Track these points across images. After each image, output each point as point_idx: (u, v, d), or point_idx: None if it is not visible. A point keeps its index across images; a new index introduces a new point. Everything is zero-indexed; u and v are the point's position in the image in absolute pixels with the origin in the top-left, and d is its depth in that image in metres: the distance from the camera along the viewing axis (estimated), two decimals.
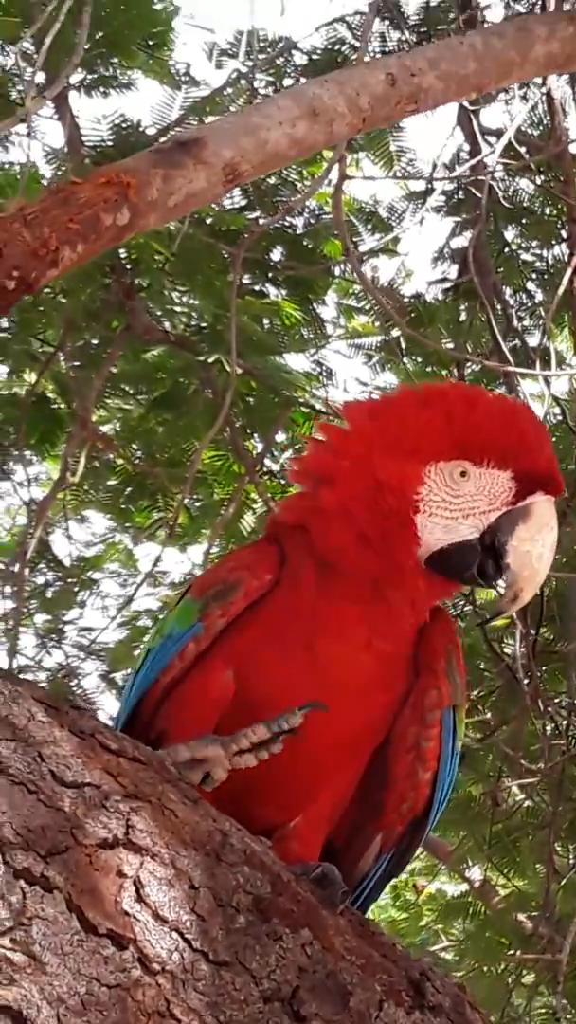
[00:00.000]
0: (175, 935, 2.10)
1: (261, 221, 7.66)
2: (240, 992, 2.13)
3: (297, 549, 2.81)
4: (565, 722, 8.46)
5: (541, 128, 8.68)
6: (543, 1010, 9.47)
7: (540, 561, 2.73)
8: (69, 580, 9.37)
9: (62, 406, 8.50)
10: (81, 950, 2.00)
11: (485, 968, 9.17)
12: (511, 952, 9.07)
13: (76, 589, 9.46)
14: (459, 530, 2.73)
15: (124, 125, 7.69)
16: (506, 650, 8.56)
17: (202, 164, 3.64)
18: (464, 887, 11.25)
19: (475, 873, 10.65)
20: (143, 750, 2.32)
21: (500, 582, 2.77)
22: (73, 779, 2.13)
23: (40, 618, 9.58)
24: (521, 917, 9.57)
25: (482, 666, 8.82)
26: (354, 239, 8.24)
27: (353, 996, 2.25)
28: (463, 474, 2.74)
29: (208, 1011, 2.08)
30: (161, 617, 3.05)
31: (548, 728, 8.37)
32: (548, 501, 2.74)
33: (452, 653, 2.89)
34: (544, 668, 8.62)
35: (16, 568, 8.50)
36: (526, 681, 7.97)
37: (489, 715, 8.79)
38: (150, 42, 7.80)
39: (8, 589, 8.81)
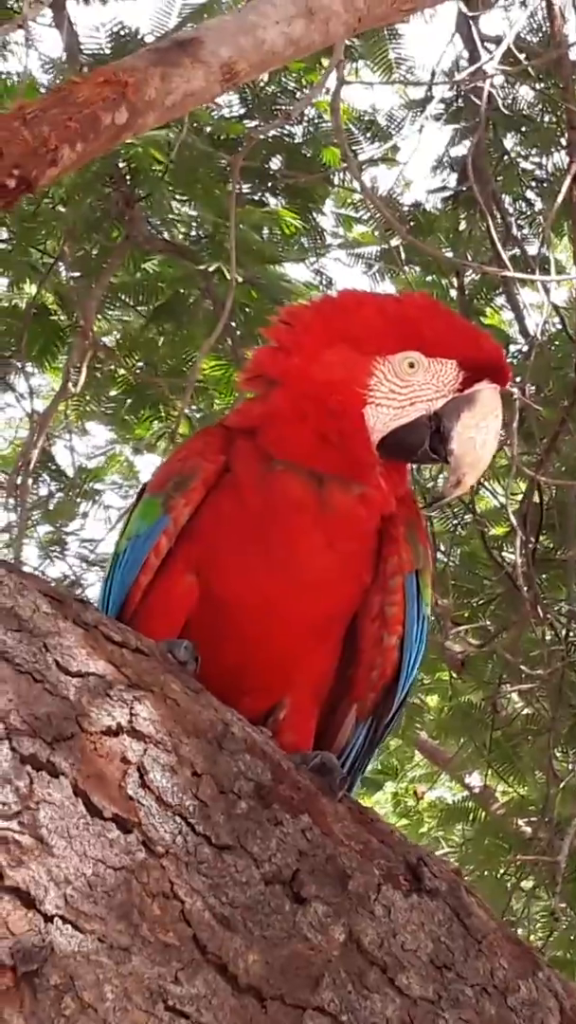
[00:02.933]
0: (178, 819, 2.15)
1: (259, 127, 7.60)
2: (242, 875, 2.18)
3: (246, 451, 2.83)
4: (564, 629, 8.52)
5: (541, 35, 8.62)
6: (542, 914, 9.60)
7: (484, 448, 2.77)
8: (71, 492, 9.40)
9: (63, 317, 8.48)
10: (87, 833, 2.06)
11: (485, 872, 9.28)
12: (511, 856, 9.18)
13: (78, 500, 9.50)
14: (407, 414, 2.77)
15: (122, 33, 7.63)
16: (506, 557, 8.61)
17: (199, 63, 3.63)
18: (464, 795, 11.38)
19: (475, 780, 10.77)
20: (145, 642, 2.37)
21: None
22: (78, 669, 2.18)
23: (43, 529, 9.64)
24: (521, 823, 9.69)
25: (482, 574, 8.88)
26: (353, 148, 8.19)
27: (352, 879, 2.30)
28: (411, 365, 2.77)
29: (211, 893, 2.13)
30: (124, 522, 3.07)
31: (548, 635, 8.44)
32: (493, 390, 2.77)
33: (412, 521, 2.92)
34: (544, 576, 8.67)
35: (19, 479, 8.51)
36: (526, 589, 8.01)
37: (489, 623, 8.85)
38: None
39: (11, 501, 8.83)
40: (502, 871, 9.26)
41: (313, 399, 2.76)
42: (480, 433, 2.76)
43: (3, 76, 8.16)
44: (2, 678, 2.08)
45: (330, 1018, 2.16)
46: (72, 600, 2.31)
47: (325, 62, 7.37)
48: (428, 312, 2.84)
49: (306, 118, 8.50)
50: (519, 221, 8.93)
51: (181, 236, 8.26)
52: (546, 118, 8.79)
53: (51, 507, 9.42)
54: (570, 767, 8.88)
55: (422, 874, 2.41)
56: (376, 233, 8.79)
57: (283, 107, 7.51)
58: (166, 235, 8.18)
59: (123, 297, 8.64)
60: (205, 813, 2.18)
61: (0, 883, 1.96)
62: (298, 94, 8.04)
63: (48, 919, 1.98)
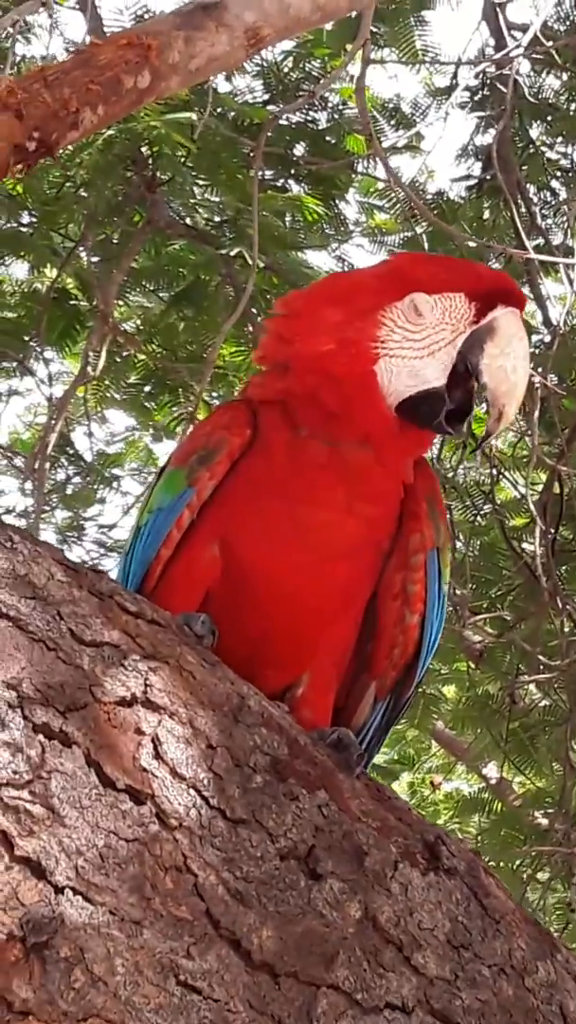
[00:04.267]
0: (192, 792, 2.12)
1: (283, 106, 7.57)
2: (256, 849, 2.15)
3: (272, 420, 2.80)
4: None
5: (568, 23, 8.59)
6: (558, 906, 9.58)
7: (516, 373, 2.69)
8: (89, 477, 9.40)
9: (83, 302, 8.47)
10: (99, 804, 2.03)
11: (501, 864, 9.25)
12: (527, 847, 9.15)
13: (96, 486, 9.50)
14: (425, 374, 2.70)
15: (146, 16, 7.59)
16: (525, 547, 8.58)
17: (224, 27, 3.60)
18: (481, 786, 11.36)
19: (491, 770, 10.74)
20: (161, 613, 2.34)
21: (482, 407, 2.75)
22: (92, 638, 2.15)
23: (61, 515, 9.64)
24: (537, 814, 9.66)
25: (501, 564, 8.85)
26: (377, 135, 8.16)
27: (368, 856, 2.27)
28: (418, 310, 2.71)
29: (225, 866, 2.10)
30: (146, 496, 3.05)
31: (566, 626, 8.40)
32: (512, 313, 2.70)
33: (432, 498, 2.89)
34: (563, 567, 8.64)
35: (37, 464, 8.50)
36: (545, 579, 7.97)
37: (508, 613, 8.82)
38: None
39: (29, 485, 8.83)
40: (518, 862, 9.22)
41: (320, 372, 2.72)
42: (508, 360, 2.68)
43: (27, 59, 8.15)
44: (16, 646, 2.06)
45: (345, 996, 2.13)
46: (87, 570, 2.29)
47: (350, 47, 7.33)
48: (419, 258, 2.86)
49: (330, 105, 8.48)
50: (543, 211, 8.89)
51: (203, 221, 8.24)
52: (572, 107, 8.75)
53: (69, 492, 9.42)
54: None
55: (440, 853, 2.38)
56: (399, 221, 8.76)
57: (307, 91, 7.46)
58: (187, 220, 8.16)
59: (144, 282, 8.63)
60: (220, 786, 2.16)
61: (10, 853, 1.94)
62: (322, 80, 8.00)
63: (59, 890, 1.95)
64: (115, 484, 9.62)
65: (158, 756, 2.11)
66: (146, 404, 9.11)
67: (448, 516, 2.93)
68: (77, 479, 9.49)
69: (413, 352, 2.70)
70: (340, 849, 2.25)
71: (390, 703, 2.97)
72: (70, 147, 7.24)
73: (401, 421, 2.72)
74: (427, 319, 2.70)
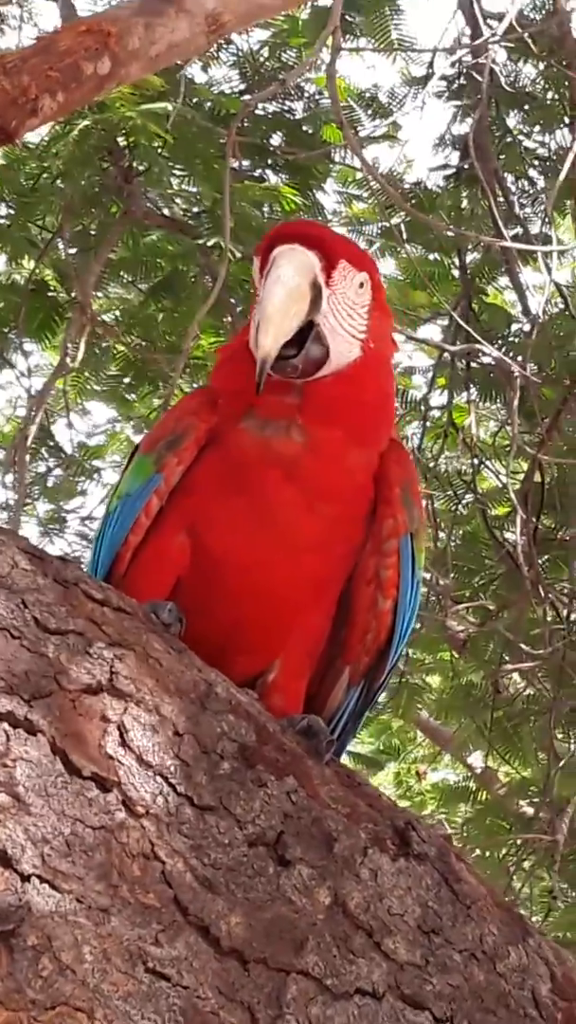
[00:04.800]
0: (159, 779, 2.11)
1: (256, 94, 7.56)
2: (224, 836, 2.15)
3: (228, 410, 2.80)
4: (566, 609, 8.51)
5: (543, 12, 8.58)
6: (543, 895, 9.60)
7: (270, 293, 2.64)
8: (70, 470, 9.40)
9: (61, 293, 8.46)
10: (65, 792, 2.02)
11: (487, 853, 9.26)
12: (512, 837, 9.16)
13: (78, 479, 9.49)
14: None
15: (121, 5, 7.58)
16: (507, 536, 8.58)
17: (184, 12, 3.60)
18: (466, 775, 11.37)
19: (476, 759, 10.75)
20: (127, 601, 2.33)
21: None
22: (57, 626, 2.15)
23: (42, 507, 9.63)
24: (522, 803, 9.68)
25: (483, 553, 8.85)
26: (354, 125, 8.16)
27: (338, 842, 2.27)
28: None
29: (192, 854, 2.10)
30: (114, 484, 3.05)
31: (549, 615, 8.41)
32: (284, 249, 2.67)
33: (407, 483, 2.87)
34: (545, 556, 8.64)
35: (17, 457, 8.49)
36: (527, 568, 7.98)
37: (490, 602, 8.82)
38: None
39: (9, 478, 8.82)
40: (504, 851, 9.23)
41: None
42: (266, 286, 2.65)
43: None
44: None
45: (315, 982, 2.13)
46: (52, 557, 2.28)
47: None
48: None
49: (306, 94, 8.48)
50: (521, 200, 8.89)
51: (180, 212, 8.23)
52: (548, 95, 8.74)
53: (50, 485, 9.41)
54: (570, 747, 8.85)
55: (410, 838, 2.38)
56: (377, 211, 8.76)
57: (282, 79, 7.44)
58: (165, 211, 8.15)
59: (122, 273, 8.62)
60: (187, 773, 2.15)
61: None
62: (294, 68, 7.99)
63: (25, 878, 1.95)
64: (96, 476, 9.62)
65: (124, 743, 2.11)
66: (126, 395, 9.12)
67: (428, 504, 2.91)
68: (58, 471, 9.50)
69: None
70: (309, 835, 2.24)
71: (364, 688, 2.96)
72: (46, 138, 7.28)
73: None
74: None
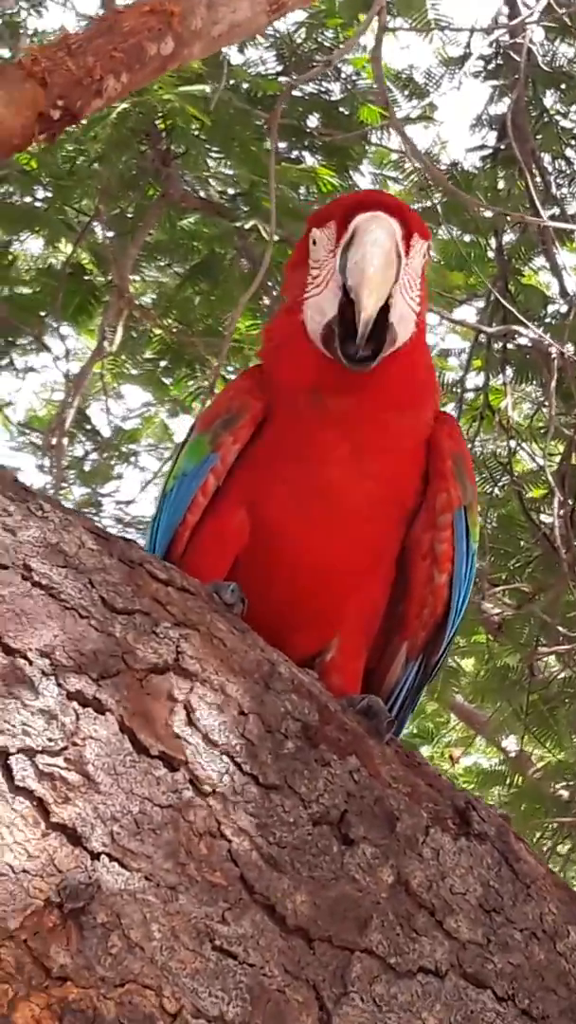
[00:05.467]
0: (225, 758, 2.12)
1: (297, 76, 7.55)
2: (289, 815, 2.16)
3: (282, 386, 2.84)
4: None
5: None
6: None
7: (365, 261, 2.64)
8: (106, 453, 9.41)
9: (98, 276, 8.46)
10: (133, 771, 2.03)
11: (523, 836, 9.23)
12: (548, 820, 9.15)
13: (113, 462, 9.51)
14: (323, 307, 2.72)
15: None
16: (543, 519, 8.56)
17: None
18: (500, 759, 11.35)
19: (511, 743, 10.73)
20: (191, 581, 2.34)
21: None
22: (124, 606, 2.16)
23: (78, 491, 9.65)
24: (558, 786, 9.66)
25: (519, 536, 8.83)
26: (392, 106, 8.14)
27: (400, 821, 2.28)
28: (314, 242, 2.77)
29: (258, 832, 2.11)
30: (171, 463, 3.06)
31: None
32: (369, 216, 2.67)
33: (459, 456, 2.90)
34: None
35: (54, 441, 8.51)
36: (564, 551, 7.96)
37: (526, 585, 8.81)
38: None
39: (46, 462, 8.84)
40: (539, 835, 9.22)
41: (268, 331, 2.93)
42: (359, 252, 2.65)
43: (41, 33, 8.13)
44: (48, 614, 2.06)
45: (379, 960, 2.14)
46: (117, 538, 2.29)
47: (363, 18, 7.31)
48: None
49: (343, 76, 8.46)
50: (558, 180, 8.85)
51: (217, 194, 8.23)
52: None
53: (86, 468, 9.43)
54: None
55: (471, 818, 2.39)
56: (413, 192, 8.73)
57: (320, 62, 7.43)
58: (202, 193, 8.15)
59: (158, 256, 8.62)
60: (252, 752, 2.16)
61: (47, 820, 1.94)
62: (337, 50, 7.97)
63: (95, 856, 1.96)
64: (132, 460, 9.64)
65: (191, 723, 2.12)
66: (162, 379, 9.12)
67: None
68: (94, 455, 9.51)
69: (316, 289, 2.75)
70: (372, 814, 2.25)
71: (421, 664, 2.98)
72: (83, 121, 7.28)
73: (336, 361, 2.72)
74: (318, 251, 2.76)
